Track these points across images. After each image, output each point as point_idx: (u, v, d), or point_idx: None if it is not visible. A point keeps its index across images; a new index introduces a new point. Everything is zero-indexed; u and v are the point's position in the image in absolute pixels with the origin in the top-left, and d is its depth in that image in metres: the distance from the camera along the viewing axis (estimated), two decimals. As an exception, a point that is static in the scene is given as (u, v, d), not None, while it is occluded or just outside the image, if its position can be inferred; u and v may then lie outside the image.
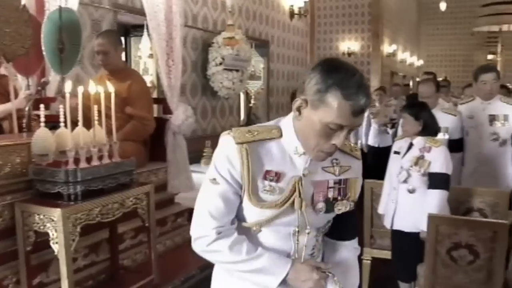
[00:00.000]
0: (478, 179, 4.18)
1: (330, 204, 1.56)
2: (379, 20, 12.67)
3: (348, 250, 1.70)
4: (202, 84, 7.08)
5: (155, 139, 4.26)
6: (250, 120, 7.77)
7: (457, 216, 3.33)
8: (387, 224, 3.52)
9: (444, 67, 19.70)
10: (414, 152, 3.34)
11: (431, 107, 3.67)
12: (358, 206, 1.68)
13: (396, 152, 3.52)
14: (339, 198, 1.57)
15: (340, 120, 1.38)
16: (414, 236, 3.28)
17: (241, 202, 1.51)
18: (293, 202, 1.49)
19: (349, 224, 1.70)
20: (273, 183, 1.49)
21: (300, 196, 1.49)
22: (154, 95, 6.16)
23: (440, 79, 9.10)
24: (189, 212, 4.37)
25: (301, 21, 10.51)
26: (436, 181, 3.25)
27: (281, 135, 1.52)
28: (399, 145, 3.52)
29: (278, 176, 1.49)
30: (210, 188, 1.51)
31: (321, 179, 1.55)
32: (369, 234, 3.89)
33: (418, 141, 3.35)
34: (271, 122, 1.59)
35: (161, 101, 4.61)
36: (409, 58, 18.44)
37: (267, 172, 1.49)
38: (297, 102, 1.45)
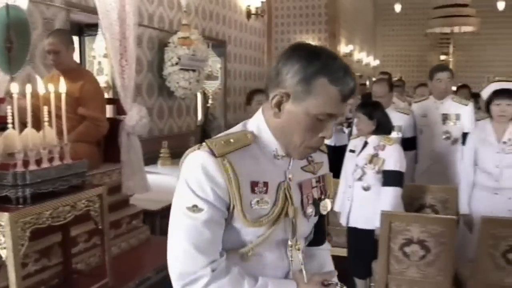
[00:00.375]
0: (431, 176, 4.29)
1: (317, 206, 1.46)
2: (336, 21, 12.81)
3: (323, 253, 1.64)
4: (158, 84, 6.99)
5: (109, 140, 4.18)
6: (208, 120, 7.73)
7: (409, 212, 3.40)
8: (343, 221, 3.57)
9: (399, 67, 20.08)
10: (369, 150, 3.40)
11: (385, 106, 3.75)
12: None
13: (352, 151, 3.57)
14: (322, 197, 1.48)
15: (330, 109, 1.28)
16: (369, 233, 3.33)
17: (226, 226, 1.32)
18: (286, 212, 1.35)
19: (322, 226, 1.63)
20: (262, 195, 1.32)
21: (292, 203, 1.36)
22: (110, 95, 6.04)
23: (395, 78, 9.31)
24: (145, 213, 4.32)
25: (258, 21, 10.53)
26: (390, 178, 3.32)
27: (256, 140, 1.36)
28: (354, 143, 3.57)
29: (266, 186, 1.33)
30: (190, 218, 1.27)
31: (304, 180, 1.43)
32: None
33: (373, 139, 3.41)
34: (238, 127, 1.41)
35: (115, 101, 4.52)
36: (366, 58, 18.71)
37: (254, 183, 1.31)
38: (276, 97, 1.29)
